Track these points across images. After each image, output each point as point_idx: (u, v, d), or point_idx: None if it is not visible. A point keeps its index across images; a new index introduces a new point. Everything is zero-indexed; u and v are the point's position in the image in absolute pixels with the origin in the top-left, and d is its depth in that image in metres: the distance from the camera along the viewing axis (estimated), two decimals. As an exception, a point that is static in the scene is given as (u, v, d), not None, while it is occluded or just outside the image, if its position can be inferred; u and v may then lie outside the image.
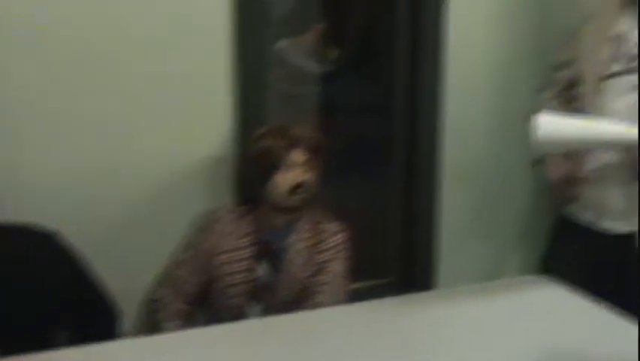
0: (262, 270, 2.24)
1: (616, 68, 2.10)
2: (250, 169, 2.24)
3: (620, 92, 2.09)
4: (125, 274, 2.28)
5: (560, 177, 2.21)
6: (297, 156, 2.19)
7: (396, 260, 2.94)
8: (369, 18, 3.28)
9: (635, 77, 2.07)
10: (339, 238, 2.29)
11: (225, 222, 2.26)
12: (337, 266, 2.28)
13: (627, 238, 2.11)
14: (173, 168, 2.34)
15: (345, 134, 3.10)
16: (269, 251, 2.24)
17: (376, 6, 3.17)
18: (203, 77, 2.32)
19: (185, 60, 2.28)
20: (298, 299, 2.24)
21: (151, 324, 2.32)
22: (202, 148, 2.36)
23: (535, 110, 2.29)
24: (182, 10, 2.24)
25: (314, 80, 3.35)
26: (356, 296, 2.22)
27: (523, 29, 2.77)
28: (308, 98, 3.36)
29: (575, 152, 2.16)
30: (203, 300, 2.30)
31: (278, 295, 2.24)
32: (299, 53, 3.22)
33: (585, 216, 2.21)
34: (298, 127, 2.24)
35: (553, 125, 1.95)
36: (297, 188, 2.19)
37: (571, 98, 2.26)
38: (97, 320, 2.11)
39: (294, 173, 2.18)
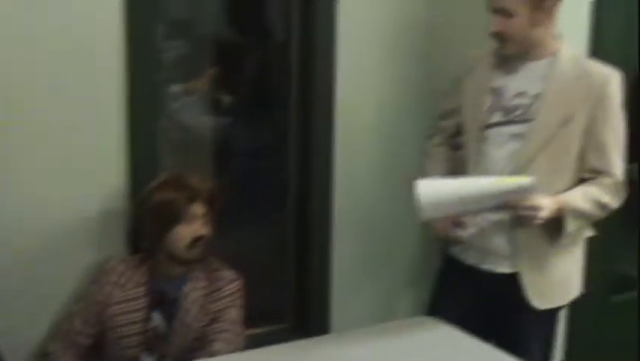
0: (157, 320, 2.23)
1: (495, 118, 2.21)
2: (147, 221, 2.22)
3: (500, 142, 2.20)
4: (14, 328, 2.22)
5: (445, 235, 2.30)
6: (197, 208, 2.20)
7: (291, 306, 2.96)
8: (262, 65, 3.32)
9: (514, 128, 2.19)
10: (235, 286, 2.30)
11: (118, 273, 2.24)
12: (233, 314, 2.28)
13: (510, 277, 2.21)
14: (65, 218, 2.30)
15: (239, 181, 3.13)
16: (163, 301, 2.23)
17: (270, 53, 3.23)
18: (94, 123, 2.30)
19: (75, 108, 2.26)
20: (193, 348, 2.23)
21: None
22: (94, 198, 2.34)
23: (424, 156, 2.41)
24: (71, 53, 2.23)
25: (207, 126, 3.35)
26: (252, 343, 2.24)
27: (410, 80, 2.89)
28: (201, 145, 3.36)
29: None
30: (96, 352, 2.25)
31: (173, 344, 2.23)
32: (191, 98, 3.23)
33: (469, 258, 2.29)
34: (195, 178, 2.25)
35: (433, 190, 2.05)
36: (196, 241, 2.20)
37: (457, 145, 2.36)
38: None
39: (194, 226, 2.19)
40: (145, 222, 2.23)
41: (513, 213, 2.10)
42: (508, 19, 2.12)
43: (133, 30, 2.30)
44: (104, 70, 2.28)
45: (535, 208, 2.05)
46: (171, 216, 2.18)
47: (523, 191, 2.04)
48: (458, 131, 2.34)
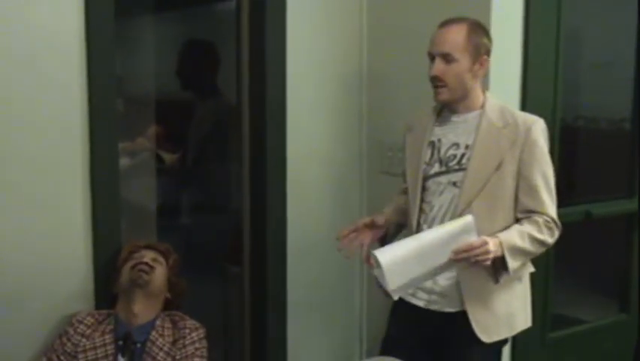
0: (124, 366, 2.31)
1: (435, 169, 2.36)
2: (112, 270, 2.41)
3: (440, 190, 2.35)
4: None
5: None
6: (147, 254, 2.40)
7: (249, 356, 3.03)
8: (213, 123, 3.40)
9: (451, 176, 2.32)
10: (200, 333, 2.41)
11: (85, 325, 2.34)
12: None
13: (458, 314, 2.32)
14: (34, 271, 2.37)
15: (196, 235, 3.22)
16: (130, 347, 2.32)
17: (221, 113, 3.32)
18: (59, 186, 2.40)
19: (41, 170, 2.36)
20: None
21: None
22: (62, 257, 2.42)
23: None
24: (34, 116, 2.33)
25: (152, 185, 3.41)
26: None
27: (355, 133, 3.06)
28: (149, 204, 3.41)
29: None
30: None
31: (140, 391, 2.30)
32: (129, 157, 3.27)
33: (418, 300, 2.39)
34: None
35: (392, 254, 2.12)
36: (138, 265, 2.35)
37: None
38: None
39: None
40: (111, 272, 2.43)
41: (467, 261, 2.15)
42: (448, 65, 2.25)
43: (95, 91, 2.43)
44: (68, 137, 2.40)
45: (484, 245, 2.13)
46: (123, 259, 2.40)
47: (468, 229, 2.14)
48: None
